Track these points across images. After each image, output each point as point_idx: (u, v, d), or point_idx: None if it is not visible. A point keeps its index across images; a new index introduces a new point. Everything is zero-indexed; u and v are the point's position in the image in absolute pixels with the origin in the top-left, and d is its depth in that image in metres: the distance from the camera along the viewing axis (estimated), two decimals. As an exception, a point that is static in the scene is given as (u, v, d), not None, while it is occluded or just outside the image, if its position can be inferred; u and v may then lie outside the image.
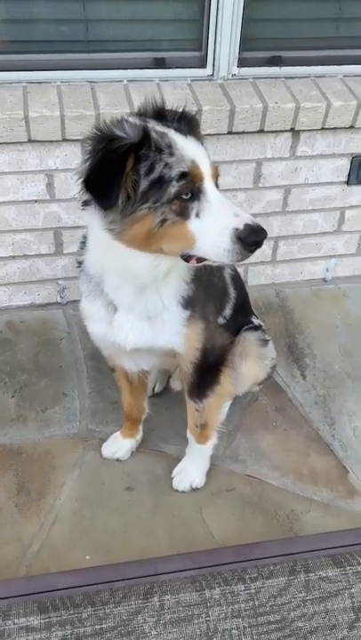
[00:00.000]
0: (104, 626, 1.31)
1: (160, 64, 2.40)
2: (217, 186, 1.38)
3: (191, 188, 1.32)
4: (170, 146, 1.33)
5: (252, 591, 1.38)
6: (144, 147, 1.31)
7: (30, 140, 2.22)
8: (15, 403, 2.31)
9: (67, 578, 1.40)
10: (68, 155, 2.28)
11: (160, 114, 1.42)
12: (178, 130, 1.37)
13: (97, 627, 1.31)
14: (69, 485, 2.06)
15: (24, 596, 1.36)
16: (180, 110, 1.45)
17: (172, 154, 1.32)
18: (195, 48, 2.42)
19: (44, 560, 1.87)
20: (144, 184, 1.31)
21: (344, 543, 1.50)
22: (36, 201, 2.38)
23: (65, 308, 2.69)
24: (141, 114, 1.43)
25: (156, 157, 1.31)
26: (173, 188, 1.31)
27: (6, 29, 2.29)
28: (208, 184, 1.34)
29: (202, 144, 1.39)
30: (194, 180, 1.33)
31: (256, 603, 1.36)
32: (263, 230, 1.33)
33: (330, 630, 1.32)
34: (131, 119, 1.37)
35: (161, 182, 1.31)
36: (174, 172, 1.31)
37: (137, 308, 1.60)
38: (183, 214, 1.33)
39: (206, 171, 1.34)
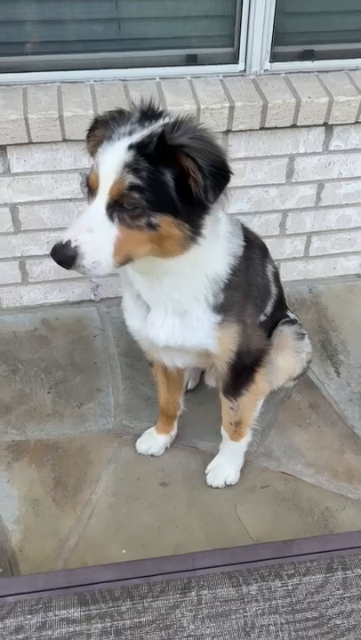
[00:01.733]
0: (143, 619, 1.33)
1: (192, 61, 2.40)
2: (118, 202, 1.32)
3: (89, 187, 1.37)
4: (106, 143, 1.36)
5: (290, 588, 1.39)
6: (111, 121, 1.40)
7: (65, 140, 2.25)
8: (51, 399, 2.34)
9: (106, 571, 1.43)
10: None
11: (144, 113, 1.43)
12: (127, 132, 1.36)
13: (135, 620, 1.33)
14: (105, 480, 2.09)
15: (64, 589, 1.39)
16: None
17: (99, 155, 1.36)
18: (227, 44, 2.41)
19: (81, 554, 1.90)
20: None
21: (382, 541, 1.49)
22: (70, 199, 2.41)
23: (98, 306, 2.72)
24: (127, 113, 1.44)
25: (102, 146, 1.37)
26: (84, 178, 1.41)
27: (40, 30, 2.32)
28: (99, 193, 1.33)
29: (132, 153, 1.31)
30: (90, 183, 1.37)
31: (293, 599, 1.37)
32: (57, 252, 1.33)
33: (368, 628, 1.31)
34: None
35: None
36: (91, 167, 1.38)
37: (159, 303, 1.62)
38: (88, 201, 1.40)
39: (103, 180, 1.33)
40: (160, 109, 1.44)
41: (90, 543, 1.93)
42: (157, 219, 1.33)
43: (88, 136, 1.48)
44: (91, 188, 1.37)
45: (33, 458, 2.15)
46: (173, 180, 1.32)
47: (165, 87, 2.34)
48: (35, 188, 2.37)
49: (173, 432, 2.17)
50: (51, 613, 1.33)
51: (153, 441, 2.16)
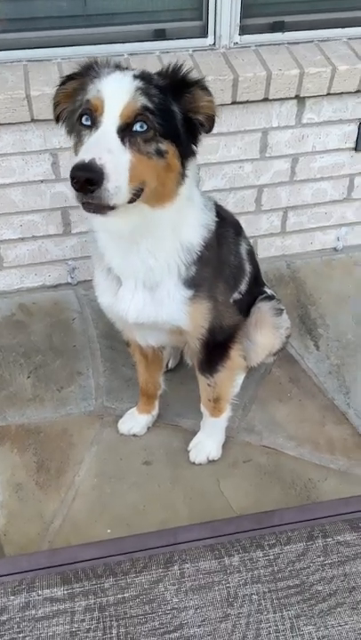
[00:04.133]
0: (126, 595, 1.34)
1: (160, 36, 2.36)
2: (130, 125, 1.30)
3: (90, 115, 1.31)
4: (95, 79, 1.36)
5: (271, 557, 1.40)
6: (88, 70, 1.41)
7: (33, 120, 2.21)
8: (31, 383, 2.33)
9: (88, 550, 1.43)
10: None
11: (117, 66, 1.46)
12: (116, 69, 1.39)
13: (119, 596, 1.34)
14: (88, 462, 2.09)
15: (47, 569, 1.39)
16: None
17: (93, 86, 1.35)
18: (195, 17, 2.38)
19: (65, 535, 1.90)
20: (74, 114, 1.38)
21: (361, 508, 1.51)
22: (42, 181, 2.38)
23: (76, 289, 2.69)
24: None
25: (84, 89, 1.37)
26: (77, 113, 1.36)
27: (4, 8, 2.26)
28: (107, 118, 1.29)
29: (139, 88, 1.32)
30: (92, 108, 1.31)
31: (275, 568, 1.38)
32: (83, 169, 1.21)
33: (349, 592, 1.33)
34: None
35: (77, 110, 1.37)
36: (84, 100, 1.35)
37: (131, 273, 1.59)
38: (80, 139, 1.36)
39: (110, 103, 1.29)
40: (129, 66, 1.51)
41: (74, 524, 1.93)
42: (165, 146, 1.34)
43: (58, 90, 1.49)
44: (92, 116, 1.31)
45: (15, 443, 2.14)
46: (180, 113, 1.38)
47: (134, 63, 2.30)
48: (5, 171, 2.33)
49: (155, 411, 2.17)
50: (34, 593, 1.33)
51: (135, 421, 2.16)
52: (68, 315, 2.59)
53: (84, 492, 2.01)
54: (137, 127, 1.30)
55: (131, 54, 2.34)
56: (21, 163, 2.32)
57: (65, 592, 1.34)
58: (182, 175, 1.43)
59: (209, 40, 2.38)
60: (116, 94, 1.30)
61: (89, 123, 1.32)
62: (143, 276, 1.59)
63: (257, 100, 2.33)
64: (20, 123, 2.22)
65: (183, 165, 1.41)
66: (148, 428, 2.18)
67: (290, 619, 1.30)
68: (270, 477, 2.05)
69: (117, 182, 1.25)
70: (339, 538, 1.44)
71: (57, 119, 1.52)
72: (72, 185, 1.22)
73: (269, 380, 2.35)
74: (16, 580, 1.36)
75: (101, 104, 1.30)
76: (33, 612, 1.30)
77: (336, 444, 2.15)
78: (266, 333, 2.03)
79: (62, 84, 1.48)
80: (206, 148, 2.42)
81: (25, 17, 2.30)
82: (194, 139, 1.44)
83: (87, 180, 1.21)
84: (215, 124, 1.46)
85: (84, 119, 1.33)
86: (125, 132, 1.29)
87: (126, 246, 1.54)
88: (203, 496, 2.00)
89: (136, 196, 1.33)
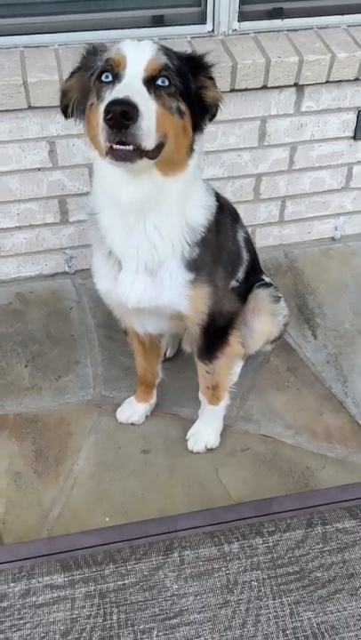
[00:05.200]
0: (126, 582, 1.34)
1: (159, 22, 2.34)
2: (155, 80, 1.32)
3: (112, 69, 1.32)
4: (112, 44, 1.38)
5: (271, 544, 1.41)
6: (92, 55, 1.43)
7: (30, 107, 2.19)
8: (29, 372, 2.32)
9: (88, 537, 1.44)
10: (70, 120, 2.24)
11: None
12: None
13: (119, 582, 1.34)
14: (86, 450, 2.09)
15: (47, 556, 1.40)
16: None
17: (109, 50, 1.37)
18: (194, 4, 2.35)
19: (65, 523, 1.90)
20: (90, 81, 1.39)
21: (359, 495, 1.52)
22: (39, 169, 2.36)
23: (73, 278, 2.68)
24: None
25: (99, 57, 1.39)
26: (96, 72, 1.36)
27: (0, -8, 2.23)
28: (130, 71, 1.31)
29: (160, 48, 1.37)
30: (113, 64, 1.32)
31: (275, 555, 1.39)
32: (121, 103, 1.21)
33: (348, 579, 1.34)
34: None
35: (94, 72, 1.38)
36: (102, 60, 1.36)
37: (133, 254, 1.58)
38: (99, 95, 1.35)
39: (132, 59, 1.31)
40: None
41: (73, 513, 1.93)
42: (183, 106, 1.38)
43: (68, 79, 1.50)
44: (114, 70, 1.32)
45: (13, 432, 2.14)
46: (195, 87, 1.43)
47: (132, 50, 2.27)
48: (1, 159, 2.31)
49: (153, 400, 2.17)
50: (34, 580, 1.34)
51: (133, 410, 2.16)
52: (66, 304, 2.58)
53: (82, 480, 2.01)
54: (160, 82, 1.32)
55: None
56: (18, 150, 2.30)
57: (65, 579, 1.34)
58: (192, 146, 1.46)
59: (208, 27, 2.36)
60: (140, 51, 1.34)
61: (110, 79, 1.33)
62: (145, 257, 1.57)
63: (256, 87, 2.32)
64: (17, 110, 2.20)
65: (193, 136, 1.45)
66: (147, 417, 2.18)
67: (289, 605, 1.31)
68: (268, 466, 2.06)
69: (150, 123, 1.27)
70: (338, 525, 1.45)
71: (65, 111, 1.52)
72: (106, 122, 1.22)
73: (267, 368, 2.35)
74: (16, 568, 1.36)
75: (123, 59, 1.32)
76: (33, 598, 1.31)
77: (334, 432, 2.15)
78: (263, 320, 2.03)
79: (72, 73, 1.50)
80: (205, 136, 2.39)
81: (22, 2, 2.27)
82: (202, 116, 1.48)
83: (123, 114, 1.21)
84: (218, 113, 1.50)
85: (103, 77, 1.33)
86: (150, 84, 1.32)
87: (133, 221, 1.52)
88: (201, 484, 2.01)
89: (157, 152, 1.35)
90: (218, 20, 2.34)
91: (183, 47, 2.30)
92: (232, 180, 2.58)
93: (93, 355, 2.39)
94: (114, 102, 1.22)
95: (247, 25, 2.37)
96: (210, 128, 2.34)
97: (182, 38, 2.35)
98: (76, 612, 1.29)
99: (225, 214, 1.80)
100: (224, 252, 1.77)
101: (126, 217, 1.52)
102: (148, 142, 1.28)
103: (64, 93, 1.51)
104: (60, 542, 1.45)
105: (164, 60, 1.34)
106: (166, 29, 2.34)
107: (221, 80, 2.24)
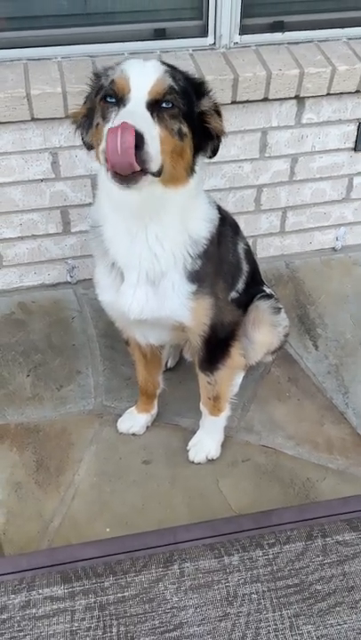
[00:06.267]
0: (126, 594, 1.34)
1: (161, 35, 2.36)
2: (159, 103, 1.34)
3: (115, 93, 1.35)
4: (117, 65, 1.40)
5: (271, 557, 1.41)
6: (102, 76, 1.45)
7: (33, 119, 2.21)
8: (30, 382, 2.33)
9: (88, 549, 1.44)
10: (72, 131, 2.26)
11: None
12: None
13: (119, 595, 1.34)
14: (87, 461, 2.09)
15: (47, 568, 1.39)
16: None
17: (114, 70, 1.39)
18: (195, 17, 2.38)
19: (65, 534, 1.91)
20: (95, 101, 1.44)
21: (360, 508, 1.52)
22: (41, 180, 2.38)
23: (75, 288, 2.69)
24: None
25: (106, 76, 1.42)
26: (101, 93, 1.39)
27: (3, 6, 2.26)
28: (135, 95, 1.33)
29: (167, 70, 1.38)
30: (117, 86, 1.34)
31: (274, 568, 1.39)
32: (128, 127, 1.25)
33: (348, 592, 1.34)
34: None
35: (100, 92, 1.41)
36: (107, 80, 1.39)
37: (136, 264, 1.59)
38: (105, 117, 1.38)
39: (136, 82, 1.33)
40: None
41: (74, 523, 1.93)
42: (185, 128, 1.39)
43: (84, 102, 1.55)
44: (118, 94, 1.35)
45: (14, 441, 2.14)
46: (197, 108, 1.44)
47: (134, 62, 2.30)
48: (5, 170, 2.32)
49: (154, 411, 2.18)
50: (34, 592, 1.34)
51: (134, 420, 2.16)
52: (68, 313, 2.59)
53: (83, 490, 2.01)
54: (163, 104, 1.35)
55: (131, 53, 2.34)
56: (21, 162, 2.32)
57: (65, 591, 1.34)
58: (192, 168, 1.47)
59: (209, 40, 2.38)
60: (144, 73, 1.35)
61: (114, 100, 1.35)
62: (147, 266, 1.58)
63: (257, 99, 2.34)
64: (20, 121, 2.22)
65: (194, 158, 1.46)
66: (148, 428, 2.18)
67: (289, 618, 1.31)
68: (269, 477, 2.06)
69: (154, 148, 1.30)
70: (338, 537, 1.45)
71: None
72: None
73: (268, 379, 2.36)
74: (16, 579, 1.36)
75: (127, 82, 1.34)
76: (33, 610, 1.31)
77: (335, 443, 2.15)
78: (264, 331, 2.04)
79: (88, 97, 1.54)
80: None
81: (25, 15, 2.29)
82: (205, 140, 1.49)
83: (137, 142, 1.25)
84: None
85: (108, 98, 1.36)
86: (154, 107, 1.34)
87: (135, 230, 1.53)
88: (202, 495, 2.01)
89: (159, 172, 1.37)
90: (219, 34, 2.36)
91: (185, 60, 2.32)
92: (233, 190, 2.59)
93: (95, 364, 2.40)
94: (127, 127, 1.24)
95: (248, 38, 2.39)
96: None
97: (184, 51, 2.37)
98: (76, 625, 1.29)
99: (226, 226, 1.81)
100: (225, 263, 1.79)
101: (129, 224, 1.54)
102: (155, 165, 1.32)
103: (74, 119, 1.56)
104: (61, 553, 1.45)
105: (168, 82, 1.36)
106: (168, 42, 2.37)
107: (223, 92, 2.27)
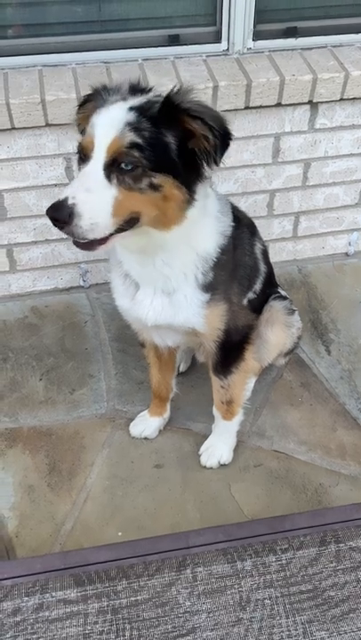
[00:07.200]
0: (139, 598, 1.34)
1: (174, 41, 2.38)
2: (117, 162, 1.31)
3: (82, 152, 1.36)
4: (99, 108, 1.39)
5: (283, 562, 1.40)
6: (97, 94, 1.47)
7: (48, 124, 2.23)
8: (43, 385, 2.34)
9: (101, 552, 1.44)
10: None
11: (133, 86, 1.48)
12: (120, 99, 1.40)
13: (132, 598, 1.34)
14: (99, 464, 2.10)
15: (61, 571, 1.40)
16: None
17: (92, 117, 1.38)
18: (209, 23, 2.39)
19: (77, 537, 1.91)
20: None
21: (374, 514, 1.51)
22: (55, 185, 2.40)
23: (88, 292, 2.71)
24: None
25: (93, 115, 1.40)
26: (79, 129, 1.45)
27: (19, 14, 2.28)
28: (96, 154, 1.32)
29: (133, 113, 1.34)
30: (84, 146, 1.35)
31: (287, 573, 1.39)
32: (52, 209, 1.29)
33: (362, 598, 1.33)
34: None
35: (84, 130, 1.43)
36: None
37: (150, 282, 1.62)
38: (80, 157, 1.41)
39: (100, 140, 1.32)
40: (148, 86, 1.49)
41: (86, 527, 1.94)
42: (159, 179, 1.33)
43: (78, 111, 1.52)
44: (84, 153, 1.35)
45: (27, 445, 2.15)
46: (176, 143, 1.34)
47: (148, 68, 2.31)
48: (19, 175, 2.35)
49: (166, 414, 2.18)
50: (47, 595, 1.35)
51: (146, 424, 2.17)
52: (80, 318, 2.60)
53: (95, 494, 2.02)
54: (123, 165, 1.31)
55: (145, 59, 2.36)
56: (35, 167, 2.34)
57: (78, 594, 1.35)
58: (190, 200, 1.41)
59: (223, 45, 2.39)
60: (106, 130, 1.32)
61: (82, 156, 1.37)
62: (161, 284, 1.62)
63: (270, 105, 2.34)
64: (35, 127, 2.24)
65: (191, 190, 1.39)
66: (160, 431, 2.18)
67: (302, 624, 1.30)
68: (281, 482, 2.05)
69: (92, 219, 1.29)
70: (351, 543, 1.44)
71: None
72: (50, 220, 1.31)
73: (281, 384, 2.35)
74: (30, 582, 1.37)
75: (92, 142, 1.33)
76: (47, 613, 1.31)
77: (347, 449, 2.14)
78: (277, 331, 2.04)
79: (80, 105, 1.53)
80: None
81: (40, 22, 2.32)
82: (198, 166, 1.38)
83: (54, 218, 1.29)
84: (227, 148, 1.38)
85: (78, 153, 1.39)
86: (112, 168, 1.32)
87: (142, 259, 1.57)
88: (214, 500, 2.00)
89: (129, 225, 1.37)
90: (233, 40, 2.37)
91: (198, 66, 2.33)
92: (246, 195, 2.59)
93: (107, 368, 2.41)
94: (51, 206, 1.28)
95: (262, 44, 2.40)
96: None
97: (197, 57, 2.38)
98: (89, 628, 1.30)
99: (242, 228, 1.81)
100: (240, 267, 1.79)
101: (137, 257, 1.58)
102: (96, 234, 1.32)
103: (77, 125, 1.58)
104: (74, 557, 1.45)
105: (129, 138, 1.31)
106: (182, 48, 2.38)
107: (236, 98, 2.28)
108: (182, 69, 2.31)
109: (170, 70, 2.30)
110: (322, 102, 2.40)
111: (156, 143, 1.32)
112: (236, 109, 2.32)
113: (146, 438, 2.16)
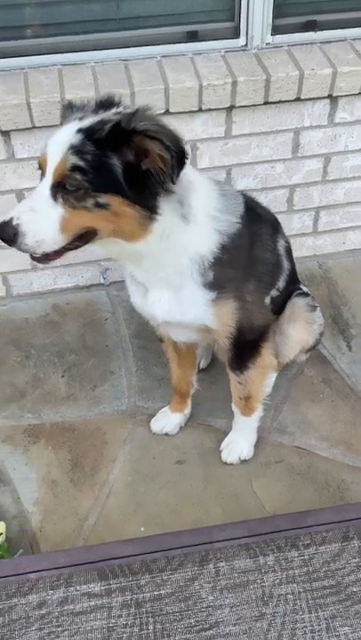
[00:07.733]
0: (162, 592, 1.35)
1: (193, 37, 2.37)
2: (62, 183, 1.37)
3: (41, 171, 1.43)
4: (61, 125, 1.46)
5: (306, 557, 1.40)
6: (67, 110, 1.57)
7: (67, 123, 2.24)
8: (65, 382, 2.37)
9: (125, 546, 1.45)
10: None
11: (100, 103, 1.52)
12: (78, 118, 1.44)
13: (155, 593, 1.35)
14: (121, 460, 2.11)
15: (85, 565, 1.41)
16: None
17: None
18: (227, 18, 2.38)
19: (100, 532, 1.93)
20: None
21: None
22: (75, 183, 2.41)
23: (108, 289, 2.72)
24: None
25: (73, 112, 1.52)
26: None
27: (38, 13, 2.30)
28: (47, 174, 1.40)
29: (79, 136, 1.37)
30: (40, 165, 1.44)
31: (310, 569, 1.39)
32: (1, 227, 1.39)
33: (386, 594, 1.33)
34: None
35: None
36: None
37: (151, 282, 1.66)
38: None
39: (49, 161, 1.39)
40: (117, 100, 1.53)
41: (109, 522, 1.96)
42: (105, 199, 1.38)
43: (61, 122, 1.56)
44: (41, 170, 1.43)
45: (49, 440, 2.18)
46: (121, 165, 1.36)
47: (167, 65, 2.32)
48: (38, 174, 2.36)
49: (187, 411, 2.19)
50: (72, 588, 1.36)
51: (167, 420, 2.18)
52: (101, 315, 2.62)
53: (117, 489, 2.04)
54: (67, 186, 1.37)
55: (163, 56, 2.36)
56: (56, 165, 2.36)
57: (102, 588, 1.36)
58: (149, 216, 1.41)
59: (241, 41, 2.38)
60: (54, 151, 1.39)
61: (42, 172, 1.43)
62: (164, 283, 1.64)
63: (289, 99, 2.33)
64: (55, 126, 2.23)
65: (150, 206, 1.40)
66: (181, 428, 2.19)
67: (325, 619, 1.30)
68: (303, 478, 2.05)
69: (37, 237, 1.38)
70: (375, 539, 1.43)
71: None
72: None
73: (302, 380, 2.35)
74: (54, 575, 1.39)
75: (45, 161, 1.41)
76: (71, 606, 1.33)
77: (369, 445, 2.14)
78: (299, 328, 2.03)
79: (62, 116, 1.61)
80: (238, 148, 2.42)
81: (58, 22, 2.33)
82: (153, 184, 1.38)
83: (3, 239, 1.39)
84: (183, 167, 1.36)
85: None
86: (58, 188, 1.39)
87: (131, 263, 1.64)
88: (235, 496, 2.01)
89: (87, 238, 1.45)
90: (251, 35, 2.36)
91: (217, 62, 2.32)
92: (266, 191, 2.59)
93: (128, 365, 2.42)
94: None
95: (281, 38, 2.39)
96: (243, 141, 2.40)
97: (216, 53, 2.38)
98: (113, 621, 1.31)
99: (263, 224, 1.80)
100: (259, 264, 1.78)
101: (124, 260, 1.66)
102: (46, 248, 1.41)
103: None
104: (98, 551, 1.47)
105: (71, 161, 1.35)
106: (200, 44, 2.38)
107: (255, 93, 2.27)
108: (201, 65, 2.31)
109: (188, 67, 2.30)
110: (342, 96, 2.38)
111: (100, 166, 1.36)
112: (255, 105, 2.31)
113: (167, 434, 2.18)
